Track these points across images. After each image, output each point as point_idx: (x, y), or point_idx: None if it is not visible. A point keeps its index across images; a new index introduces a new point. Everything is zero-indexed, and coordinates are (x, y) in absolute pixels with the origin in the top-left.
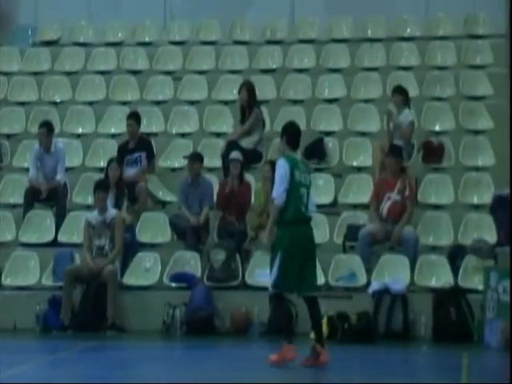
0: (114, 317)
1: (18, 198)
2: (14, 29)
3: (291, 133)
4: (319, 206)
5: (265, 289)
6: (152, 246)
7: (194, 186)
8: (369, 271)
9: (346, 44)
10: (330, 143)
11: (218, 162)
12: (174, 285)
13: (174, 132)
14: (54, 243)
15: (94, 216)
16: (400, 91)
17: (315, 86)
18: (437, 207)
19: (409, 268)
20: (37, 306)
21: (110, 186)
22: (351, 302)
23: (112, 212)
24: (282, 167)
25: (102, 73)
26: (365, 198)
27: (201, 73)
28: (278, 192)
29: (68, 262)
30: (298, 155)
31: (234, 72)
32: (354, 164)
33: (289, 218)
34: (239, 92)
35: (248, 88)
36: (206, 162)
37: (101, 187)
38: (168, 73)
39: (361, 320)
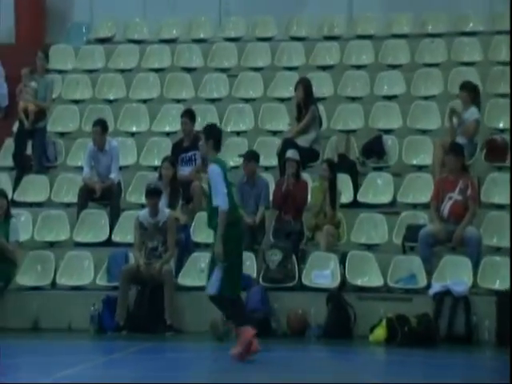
0: (172, 318)
1: (72, 198)
2: (69, 26)
3: (216, 136)
4: (378, 206)
5: (322, 290)
6: (207, 246)
7: (249, 185)
8: (429, 273)
9: (406, 40)
10: (389, 141)
11: (273, 161)
12: None
13: (229, 130)
14: (108, 243)
15: (145, 217)
16: (467, 87)
17: (374, 83)
18: (500, 207)
19: (471, 270)
20: (91, 306)
21: (164, 186)
22: (411, 304)
23: (164, 214)
24: (217, 173)
25: (157, 70)
26: (425, 198)
27: (256, 70)
28: (222, 198)
29: (122, 262)
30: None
31: (290, 69)
32: (414, 162)
33: (229, 219)
34: (295, 89)
35: (304, 85)
36: (262, 161)
37: (152, 194)
38: (223, 70)
39: (421, 323)
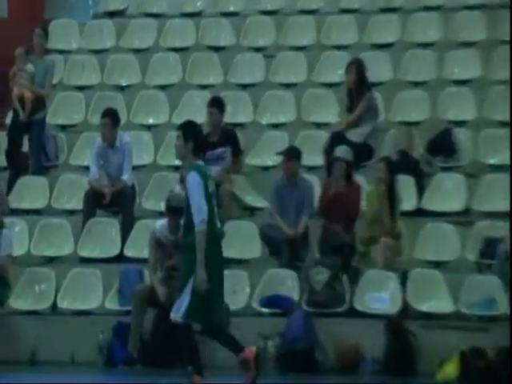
0: None
1: (77, 204)
2: None
3: (196, 137)
4: (447, 214)
5: (379, 316)
6: (239, 263)
7: (290, 188)
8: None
9: (482, 11)
10: (461, 135)
11: (319, 160)
12: (265, 310)
13: (265, 122)
14: (120, 258)
15: (163, 231)
16: None
17: (442, 64)
18: None
19: None
20: (99, 334)
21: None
22: (488, 334)
23: None
24: (197, 183)
25: (178, 50)
26: (505, 205)
27: (298, 49)
28: (201, 216)
29: (137, 282)
30: (200, 161)
31: (339, 48)
32: (492, 161)
33: (208, 236)
34: (346, 72)
35: (357, 67)
36: (305, 160)
37: (173, 212)
38: (258, 49)
39: (501, 357)
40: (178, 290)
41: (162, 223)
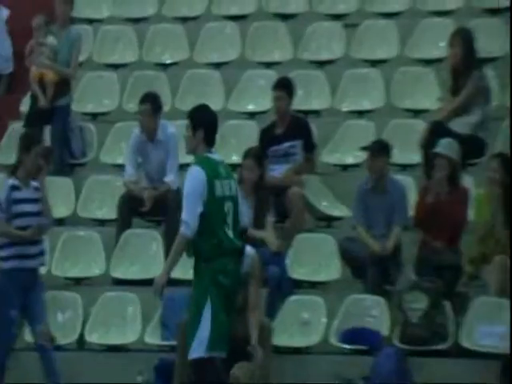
0: None
1: (109, 211)
2: None
3: (209, 122)
4: None
5: (492, 356)
6: (312, 286)
7: (377, 192)
8: None
9: None
10: None
11: (415, 157)
12: (346, 347)
13: (345, 109)
14: None
15: None
16: None
17: None
18: None
19: None
20: (138, 375)
21: (245, 194)
22: None
23: (249, 257)
24: (195, 180)
25: (236, 18)
26: None
27: (387, 16)
28: (188, 218)
29: (184, 310)
30: (215, 153)
31: (439, 14)
32: None
33: (209, 249)
34: (450, 45)
35: (464, 39)
36: (396, 157)
37: None
38: (336, 17)
39: None
40: (189, 323)
41: None
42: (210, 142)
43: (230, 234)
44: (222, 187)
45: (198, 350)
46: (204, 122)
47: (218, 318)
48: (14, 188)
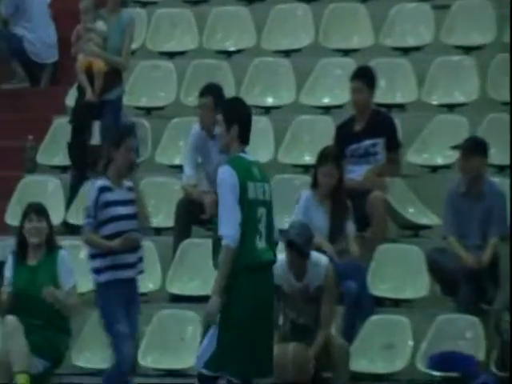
0: None
1: (165, 218)
2: None
3: (245, 118)
4: None
5: None
6: (396, 304)
7: (471, 198)
8: None
9: None
10: None
11: None
12: (436, 374)
13: (435, 102)
14: None
15: (284, 272)
16: None
17: None
18: None
19: None
20: None
21: (321, 199)
22: None
23: (319, 271)
24: (227, 183)
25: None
26: None
27: None
28: (228, 226)
29: None
30: (248, 153)
31: None
32: None
33: (238, 260)
34: None
35: None
36: (493, 156)
37: (294, 248)
38: None
39: None
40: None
41: (282, 262)
42: (244, 139)
43: (261, 243)
44: (255, 190)
45: (207, 364)
46: (239, 118)
47: (231, 337)
48: (104, 189)
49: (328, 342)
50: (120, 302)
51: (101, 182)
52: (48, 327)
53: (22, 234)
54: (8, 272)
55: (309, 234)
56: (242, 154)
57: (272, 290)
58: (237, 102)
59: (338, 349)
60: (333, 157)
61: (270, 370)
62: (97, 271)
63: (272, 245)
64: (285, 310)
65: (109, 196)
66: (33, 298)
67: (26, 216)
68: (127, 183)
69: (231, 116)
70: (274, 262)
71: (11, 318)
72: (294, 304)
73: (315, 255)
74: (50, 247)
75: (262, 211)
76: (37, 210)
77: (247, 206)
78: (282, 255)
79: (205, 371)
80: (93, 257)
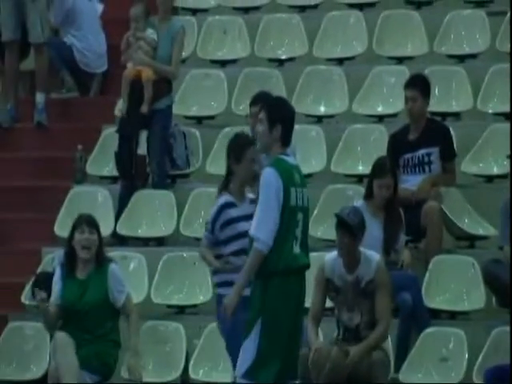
0: None
1: None
2: None
3: (289, 119)
4: None
5: None
6: (452, 316)
7: None
8: None
9: None
10: None
11: None
12: None
13: (491, 111)
14: None
15: (337, 268)
16: None
17: None
18: None
19: None
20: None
21: (374, 209)
22: None
23: (370, 265)
24: (273, 186)
25: (367, 5)
26: None
27: None
28: (263, 229)
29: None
30: (289, 155)
31: None
32: None
33: (269, 264)
34: None
35: None
36: None
37: (344, 227)
38: (478, 3)
39: None
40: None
41: (334, 256)
42: (286, 141)
43: (297, 248)
44: (296, 196)
45: (246, 374)
46: (283, 118)
47: (268, 343)
48: (228, 206)
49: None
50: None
51: (224, 198)
52: (97, 341)
53: (71, 245)
54: (57, 285)
55: (361, 216)
56: (284, 157)
57: (304, 294)
58: (282, 101)
59: (375, 361)
60: (389, 169)
61: (296, 374)
62: (217, 285)
63: (307, 250)
64: (337, 309)
65: (233, 212)
66: (82, 313)
67: (77, 227)
68: (250, 195)
69: (275, 115)
70: (308, 266)
71: (62, 334)
72: (345, 298)
73: (368, 251)
74: (100, 260)
75: (300, 216)
76: (88, 222)
77: (288, 211)
78: (333, 253)
79: (244, 381)
80: (214, 272)
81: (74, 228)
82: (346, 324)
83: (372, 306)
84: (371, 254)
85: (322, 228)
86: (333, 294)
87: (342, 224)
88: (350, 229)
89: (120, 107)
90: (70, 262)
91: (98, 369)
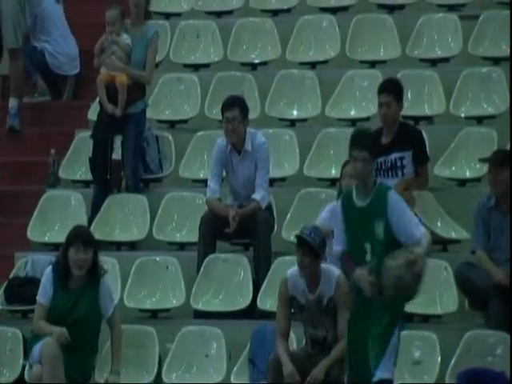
0: None
1: (189, 234)
2: None
3: None
4: None
5: None
6: (424, 320)
7: (501, 211)
8: None
9: None
10: None
11: None
12: None
13: (463, 114)
14: (251, 313)
15: (299, 286)
16: None
17: None
18: None
19: None
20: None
21: None
22: None
23: (330, 282)
24: None
25: (334, 10)
26: None
27: None
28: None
29: (273, 346)
30: None
31: None
32: None
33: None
34: None
35: None
36: None
37: (302, 244)
38: (450, 7)
39: None
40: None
41: (296, 273)
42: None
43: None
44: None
45: (387, 373)
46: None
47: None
48: None
49: (344, 356)
50: None
51: None
52: (78, 351)
53: (66, 258)
54: (47, 288)
55: (322, 236)
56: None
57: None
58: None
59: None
60: None
61: None
62: None
63: None
64: (303, 325)
65: None
66: (69, 323)
67: (73, 244)
68: None
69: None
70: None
71: (52, 343)
72: (309, 315)
73: (327, 266)
74: (94, 274)
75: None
76: (85, 242)
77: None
78: (294, 267)
79: (386, 375)
80: None
81: (69, 243)
82: (313, 338)
83: (335, 322)
84: (330, 269)
85: (295, 232)
86: (297, 310)
87: (304, 244)
88: (312, 249)
89: (111, 110)
90: (63, 272)
91: (76, 379)
